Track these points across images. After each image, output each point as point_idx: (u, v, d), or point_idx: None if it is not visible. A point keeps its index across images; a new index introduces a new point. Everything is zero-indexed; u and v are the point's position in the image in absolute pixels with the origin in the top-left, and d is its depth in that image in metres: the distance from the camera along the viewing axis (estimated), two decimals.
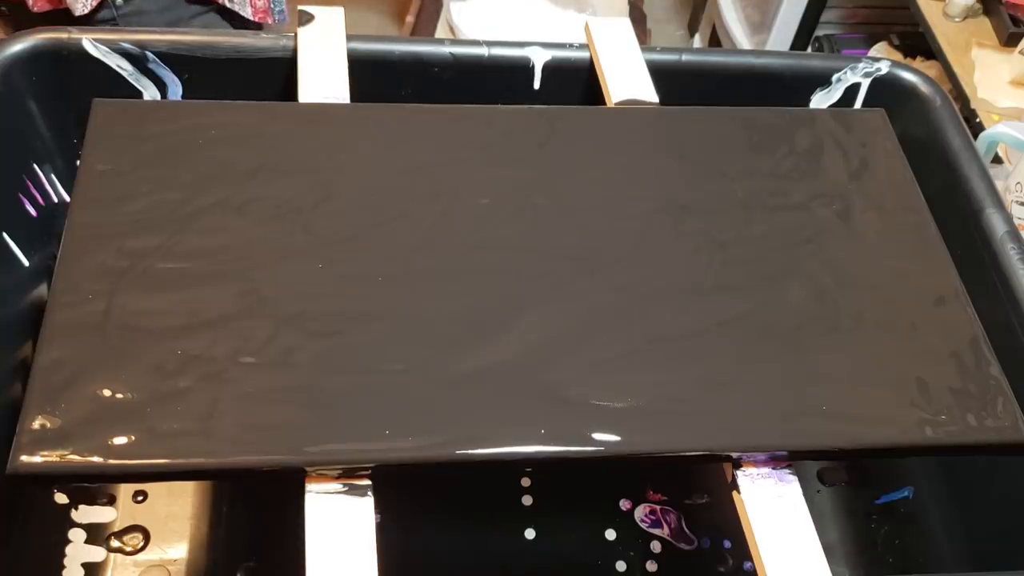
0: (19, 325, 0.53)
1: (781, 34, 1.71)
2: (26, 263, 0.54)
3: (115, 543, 0.58)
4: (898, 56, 1.59)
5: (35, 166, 0.56)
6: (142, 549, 0.58)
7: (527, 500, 0.64)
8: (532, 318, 0.46)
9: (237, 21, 1.07)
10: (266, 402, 0.41)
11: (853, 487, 0.66)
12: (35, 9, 0.97)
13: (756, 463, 0.44)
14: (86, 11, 0.96)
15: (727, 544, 0.63)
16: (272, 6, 1.07)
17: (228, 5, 1.03)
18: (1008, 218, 0.55)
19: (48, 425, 0.39)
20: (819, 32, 1.72)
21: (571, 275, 0.48)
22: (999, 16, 1.39)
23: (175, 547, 0.58)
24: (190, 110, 0.52)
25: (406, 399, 0.42)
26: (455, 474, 0.60)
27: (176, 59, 0.57)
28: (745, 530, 0.43)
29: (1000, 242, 0.54)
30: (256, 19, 1.07)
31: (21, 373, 0.52)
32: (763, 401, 0.45)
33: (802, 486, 0.44)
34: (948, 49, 1.38)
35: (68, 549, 0.57)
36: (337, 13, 0.60)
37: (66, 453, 0.39)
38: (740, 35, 1.83)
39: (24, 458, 0.39)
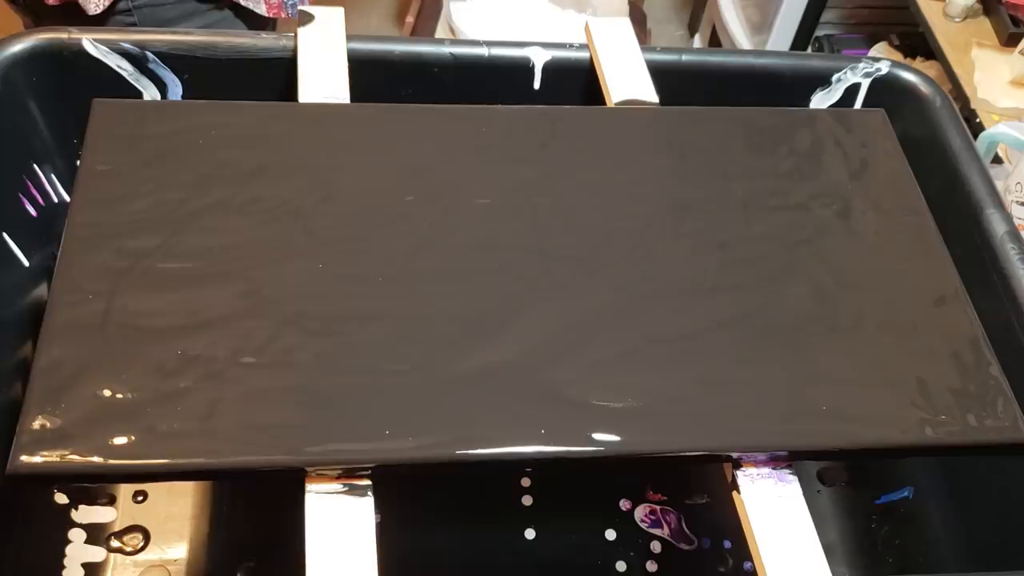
0: (19, 325, 0.53)
1: (781, 34, 1.70)
2: (26, 263, 0.54)
3: (115, 543, 0.58)
4: (898, 56, 1.59)
5: (35, 166, 0.56)
6: (142, 549, 0.58)
7: (527, 500, 0.64)
8: (532, 318, 0.46)
9: (251, 18, 1.06)
10: (266, 402, 0.41)
11: (853, 487, 0.66)
12: (49, 1, 0.97)
13: (756, 463, 0.44)
14: (99, 11, 0.95)
15: (727, 544, 0.63)
16: (286, 0, 1.07)
17: (243, 3, 1.03)
18: (1008, 218, 0.55)
19: (48, 425, 0.39)
20: (819, 32, 1.72)
21: (571, 275, 0.48)
22: (999, 16, 1.39)
23: (175, 547, 0.58)
24: (190, 110, 0.52)
25: (406, 399, 0.42)
26: (455, 474, 0.60)
27: (176, 59, 0.57)
28: (745, 530, 0.43)
29: (1000, 242, 0.54)
30: (270, 14, 1.07)
31: (21, 373, 0.52)
32: (763, 401, 0.45)
33: (802, 486, 0.44)
34: (948, 49, 1.38)
35: (68, 549, 0.57)
36: (337, 13, 0.60)
37: (66, 453, 0.39)
38: (740, 35, 1.82)
39: (24, 458, 0.39)
